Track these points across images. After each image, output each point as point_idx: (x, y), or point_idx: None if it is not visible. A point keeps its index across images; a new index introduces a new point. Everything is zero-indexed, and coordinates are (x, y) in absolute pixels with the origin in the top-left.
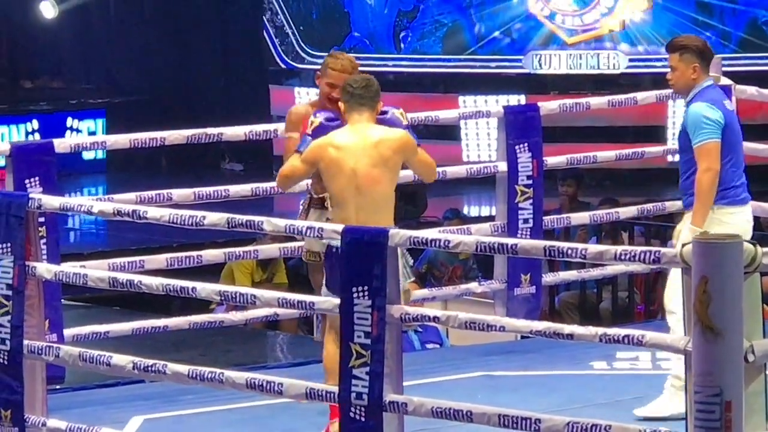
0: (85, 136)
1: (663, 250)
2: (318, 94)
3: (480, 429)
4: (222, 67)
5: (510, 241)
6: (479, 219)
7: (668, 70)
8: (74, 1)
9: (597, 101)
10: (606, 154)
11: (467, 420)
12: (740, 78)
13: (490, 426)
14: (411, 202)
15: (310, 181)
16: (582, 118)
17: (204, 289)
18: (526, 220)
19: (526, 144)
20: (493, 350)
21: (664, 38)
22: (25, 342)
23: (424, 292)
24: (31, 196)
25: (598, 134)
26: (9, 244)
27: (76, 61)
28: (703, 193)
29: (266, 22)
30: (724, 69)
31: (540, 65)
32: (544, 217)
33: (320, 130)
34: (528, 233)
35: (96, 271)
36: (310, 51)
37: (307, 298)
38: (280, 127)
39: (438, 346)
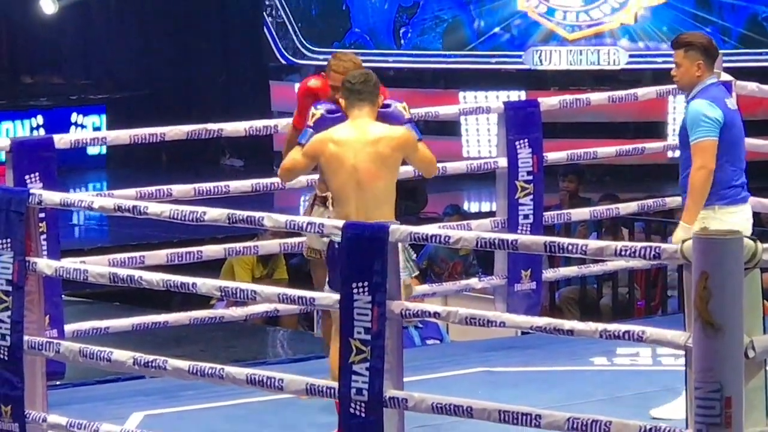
0: (90, 131)
1: (663, 246)
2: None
3: (480, 424)
4: (222, 62)
5: (510, 236)
6: (479, 215)
7: (669, 66)
8: None
9: (597, 97)
10: (606, 150)
11: (467, 416)
12: (740, 74)
13: (490, 421)
14: (411, 198)
15: (317, 177)
16: (582, 113)
17: (204, 284)
18: (526, 216)
19: (526, 140)
20: (493, 346)
21: (664, 34)
22: (26, 338)
23: (425, 287)
24: (31, 191)
25: (599, 130)
26: (9, 240)
27: (76, 56)
28: (695, 190)
29: (266, 18)
30: (725, 65)
31: (540, 61)
32: (544, 213)
33: (321, 123)
34: (528, 229)
35: (96, 266)
36: (310, 47)
37: (308, 293)
38: (281, 122)
39: (438, 341)
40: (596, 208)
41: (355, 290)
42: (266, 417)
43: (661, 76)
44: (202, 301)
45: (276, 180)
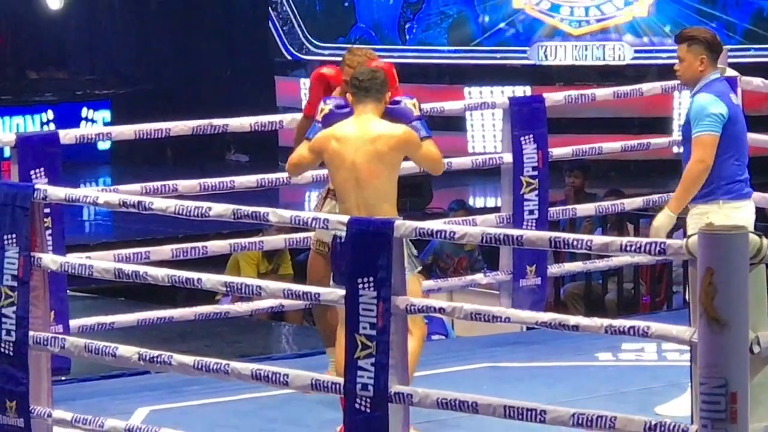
0: (100, 126)
1: (668, 241)
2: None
3: (485, 420)
4: (228, 58)
5: (515, 232)
6: (485, 210)
7: (674, 61)
8: None
9: (602, 92)
10: (611, 146)
11: (473, 411)
12: (746, 69)
13: (495, 417)
14: (416, 193)
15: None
16: (587, 109)
17: (209, 280)
18: (531, 212)
19: (531, 135)
20: (498, 341)
21: (670, 29)
22: (31, 333)
23: (430, 283)
24: (36, 187)
25: (604, 125)
26: (14, 235)
27: (81, 52)
28: (688, 181)
29: (272, 13)
30: (730, 60)
31: (545, 56)
32: (549, 209)
33: (329, 118)
34: (533, 224)
35: (101, 262)
36: (316, 42)
37: (313, 289)
38: (286, 118)
39: (443, 337)
40: (601, 204)
41: (360, 285)
42: (271, 412)
43: (666, 72)
44: (207, 296)
45: (281, 175)
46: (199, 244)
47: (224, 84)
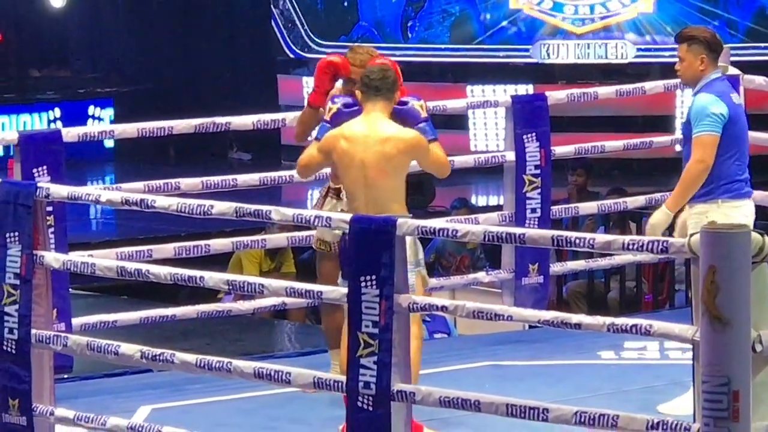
0: (107, 124)
1: (671, 240)
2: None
3: (487, 418)
4: (230, 56)
5: (518, 230)
6: (487, 208)
7: (676, 59)
8: None
9: (605, 91)
10: (614, 144)
11: (475, 409)
12: (748, 68)
13: (497, 415)
14: (418, 192)
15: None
16: (590, 107)
17: (212, 278)
18: (533, 210)
19: (533, 133)
20: (500, 340)
21: (670, 28)
22: (33, 331)
23: (432, 281)
24: (39, 185)
25: (606, 124)
26: (17, 234)
27: (84, 50)
28: (687, 181)
29: (274, 12)
30: (732, 59)
31: (548, 55)
32: (551, 207)
33: (338, 117)
34: (536, 223)
35: (104, 260)
36: (318, 40)
37: (315, 287)
38: (288, 116)
39: (445, 335)
40: (604, 202)
41: (362, 284)
42: (274, 411)
43: (668, 70)
44: (210, 294)
45: (284, 173)
46: (202, 243)
47: (227, 82)
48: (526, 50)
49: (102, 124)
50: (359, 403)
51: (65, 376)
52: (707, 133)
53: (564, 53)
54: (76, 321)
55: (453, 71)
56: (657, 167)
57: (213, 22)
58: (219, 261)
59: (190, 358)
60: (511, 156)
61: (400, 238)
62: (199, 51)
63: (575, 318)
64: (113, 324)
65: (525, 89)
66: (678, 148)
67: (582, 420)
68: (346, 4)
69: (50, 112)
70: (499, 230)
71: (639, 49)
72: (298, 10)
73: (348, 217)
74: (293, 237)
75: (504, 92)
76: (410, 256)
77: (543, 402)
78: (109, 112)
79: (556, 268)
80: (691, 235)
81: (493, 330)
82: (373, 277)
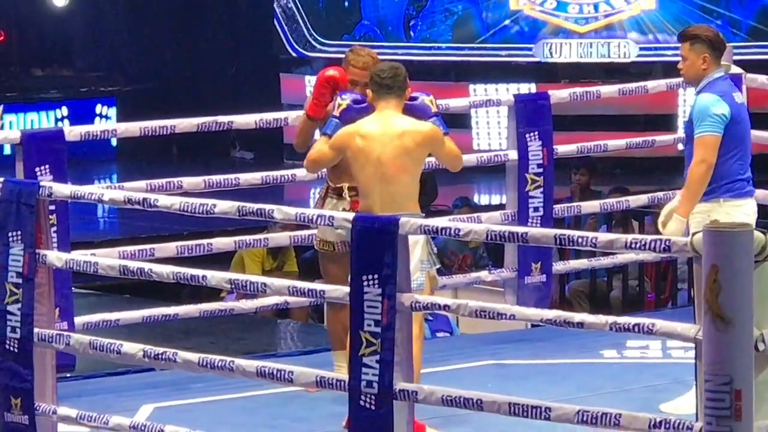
0: (114, 122)
1: (673, 238)
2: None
3: (490, 417)
4: (233, 54)
5: (520, 229)
6: (489, 207)
7: (679, 58)
8: None
9: (607, 90)
10: (616, 143)
11: (477, 408)
12: (750, 66)
13: (500, 414)
14: (421, 191)
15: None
16: (592, 106)
17: (214, 277)
18: (536, 209)
19: (536, 132)
20: (503, 339)
21: (672, 26)
22: (36, 330)
23: None
24: (41, 184)
25: (609, 123)
26: (19, 232)
27: (86, 49)
28: (693, 183)
29: (276, 11)
30: (734, 57)
31: (550, 54)
32: (554, 206)
33: (347, 113)
34: (538, 222)
35: (106, 259)
36: (321, 39)
37: (318, 286)
38: (291, 115)
39: (448, 334)
40: (606, 201)
41: (365, 283)
42: (276, 409)
43: (671, 69)
44: (212, 293)
45: (286, 172)
46: (204, 241)
47: (229, 81)
48: (529, 49)
49: (105, 123)
50: (362, 402)
51: (67, 375)
52: (709, 134)
53: (567, 52)
54: (78, 320)
55: (455, 70)
56: (659, 166)
57: (215, 21)
58: (221, 260)
59: (193, 357)
60: (513, 155)
61: (402, 237)
62: (202, 50)
63: (578, 317)
64: (116, 323)
65: (527, 88)
66: (680, 146)
67: (584, 419)
68: (348, 3)
69: (57, 110)
70: (501, 229)
71: (641, 48)
72: (300, 9)
73: (351, 216)
74: (296, 236)
75: (506, 91)
76: (423, 255)
77: (545, 401)
78: (111, 111)
79: (559, 266)
80: (694, 234)
81: (495, 329)
82: (376, 276)
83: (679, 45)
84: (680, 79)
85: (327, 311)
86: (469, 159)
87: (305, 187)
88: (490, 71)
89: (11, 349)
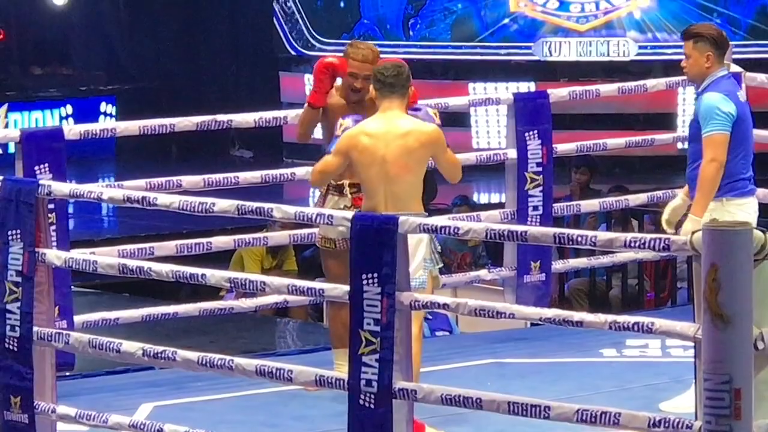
0: (113, 121)
1: (673, 237)
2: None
3: (489, 416)
4: (232, 53)
5: (520, 228)
6: (488, 206)
7: (678, 57)
8: None
9: (607, 88)
10: (616, 142)
11: (477, 407)
12: (750, 65)
13: (499, 413)
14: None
15: None
16: (592, 105)
17: (214, 275)
18: (535, 208)
19: (535, 131)
20: (502, 337)
21: (672, 25)
22: (35, 329)
23: None
24: (41, 182)
25: (608, 121)
26: (19, 231)
27: (85, 47)
28: (705, 183)
29: (276, 9)
30: (734, 56)
31: (550, 52)
32: (553, 205)
33: None
34: (537, 220)
35: (106, 257)
36: (320, 38)
37: (317, 285)
38: (290, 113)
39: (447, 333)
40: (606, 200)
41: (364, 281)
42: (276, 408)
43: (670, 68)
44: (212, 292)
45: (285, 171)
46: (204, 240)
47: (228, 80)
48: (528, 48)
49: (105, 122)
50: (361, 401)
51: (67, 374)
52: (718, 132)
53: (566, 51)
54: (77, 318)
55: (455, 69)
56: (659, 165)
57: (215, 20)
58: (221, 258)
59: (192, 355)
60: (512, 153)
61: (402, 235)
62: (201, 48)
63: (577, 316)
64: (115, 321)
65: (527, 87)
66: (680, 145)
67: (584, 418)
68: (347, 2)
69: (62, 108)
70: (501, 228)
71: (641, 47)
72: (300, 7)
73: (350, 214)
74: (295, 235)
75: (506, 90)
76: (426, 254)
77: (545, 400)
78: (111, 110)
79: (558, 265)
80: (694, 232)
81: (494, 328)
82: (375, 274)
83: (682, 43)
84: (680, 78)
85: (327, 309)
86: (469, 157)
87: (305, 186)
88: (489, 70)
89: (11, 347)
